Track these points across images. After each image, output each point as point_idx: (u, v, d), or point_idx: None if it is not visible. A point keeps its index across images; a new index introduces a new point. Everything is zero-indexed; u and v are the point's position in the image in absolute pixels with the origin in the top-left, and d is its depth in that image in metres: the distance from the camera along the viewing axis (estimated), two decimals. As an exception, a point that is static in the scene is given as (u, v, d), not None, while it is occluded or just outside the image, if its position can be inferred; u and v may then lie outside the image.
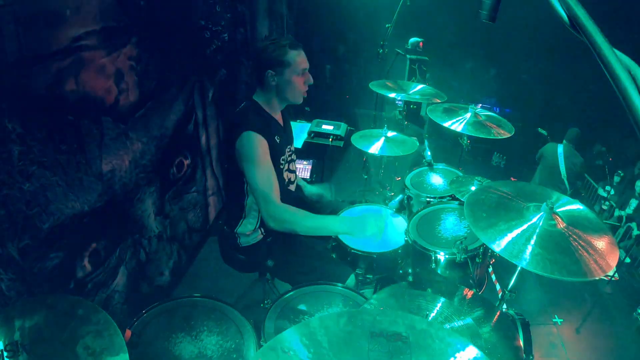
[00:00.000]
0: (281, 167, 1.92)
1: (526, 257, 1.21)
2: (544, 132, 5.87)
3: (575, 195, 4.99)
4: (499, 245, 1.26)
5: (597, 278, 1.16)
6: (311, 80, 1.86)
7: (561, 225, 1.31)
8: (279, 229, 1.72)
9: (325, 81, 6.18)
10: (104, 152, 1.92)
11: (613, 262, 1.21)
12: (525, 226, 1.31)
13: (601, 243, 1.28)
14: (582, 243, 1.26)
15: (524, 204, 1.42)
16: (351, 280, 1.92)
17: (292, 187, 2.12)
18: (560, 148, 4.62)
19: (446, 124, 2.41)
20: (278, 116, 1.96)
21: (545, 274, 1.16)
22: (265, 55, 1.78)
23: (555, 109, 6.07)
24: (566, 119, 4.96)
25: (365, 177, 3.43)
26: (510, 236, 1.28)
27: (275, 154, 1.82)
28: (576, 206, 1.45)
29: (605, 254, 1.23)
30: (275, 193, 1.71)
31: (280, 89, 1.83)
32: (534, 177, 4.86)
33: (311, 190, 2.38)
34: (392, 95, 3.00)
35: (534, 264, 1.20)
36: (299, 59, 1.79)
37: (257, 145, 1.72)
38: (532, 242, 1.25)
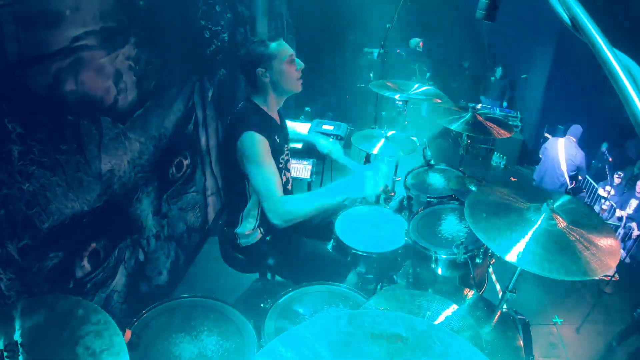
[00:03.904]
0: (280, 166, 1.92)
1: (526, 258, 1.21)
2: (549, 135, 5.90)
3: (577, 191, 4.99)
4: (499, 246, 1.26)
5: (597, 277, 1.16)
6: (302, 64, 1.86)
7: (562, 224, 1.31)
8: (287, 225, 1.69)
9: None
10: (103, 152, 1.92)
11: (615, 259, 1.21)
12: (525, 226, 1.31)
13: (603, 241, 1.27)
14: (584, 242, 1.26)
15: (524, 204, 1.41)
16: (351, 280, 1.92)
17: (289, 187, 2.12)
18: (561, 142, 4.67)
19: (446, 124, 2.41)
20: (275, 115, 1.96)
21: (545, 274, 1.16)
22: (250, 57, 1.80)
23: (556, 109, 6.07)
24: (567, 119, 4.98)
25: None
26: (510, 237, 1.28)
27: (276, 154, 1.82)
28: (576, 205, 1.45)
29: (607, 252, 1.23)
30: (279, 192, 1.70)
31: (275, 83, 1.83)
32: (535, 171, 4.87)
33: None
34: (395, 95, 2.98)
35: (534, 264, 1.19)
36: (281, 48, 1.80)
37: (259, 145, 1.72)
38: (533, 242, 1.25)
